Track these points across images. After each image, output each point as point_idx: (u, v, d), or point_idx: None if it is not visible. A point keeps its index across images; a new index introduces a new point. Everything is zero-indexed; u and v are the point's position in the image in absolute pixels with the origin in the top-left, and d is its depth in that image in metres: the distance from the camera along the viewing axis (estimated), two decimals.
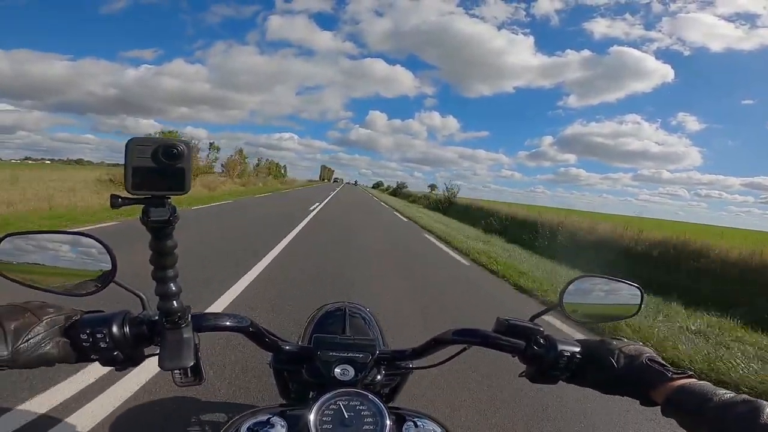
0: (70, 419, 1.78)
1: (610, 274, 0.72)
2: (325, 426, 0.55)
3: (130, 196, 0.39)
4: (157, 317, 0.52)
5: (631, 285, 0.70)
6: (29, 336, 0.46)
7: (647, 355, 0.55)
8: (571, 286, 0.66)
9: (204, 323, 0.58)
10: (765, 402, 0.43)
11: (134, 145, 0.38)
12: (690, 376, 0.51)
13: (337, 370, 0.64)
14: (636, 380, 0.54)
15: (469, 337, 0.65)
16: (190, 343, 0.50)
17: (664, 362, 0.54)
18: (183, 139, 0.39)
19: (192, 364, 0.50)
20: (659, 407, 0.51)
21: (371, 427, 0.56)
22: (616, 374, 0.55)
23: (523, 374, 0.64)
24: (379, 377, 0.69)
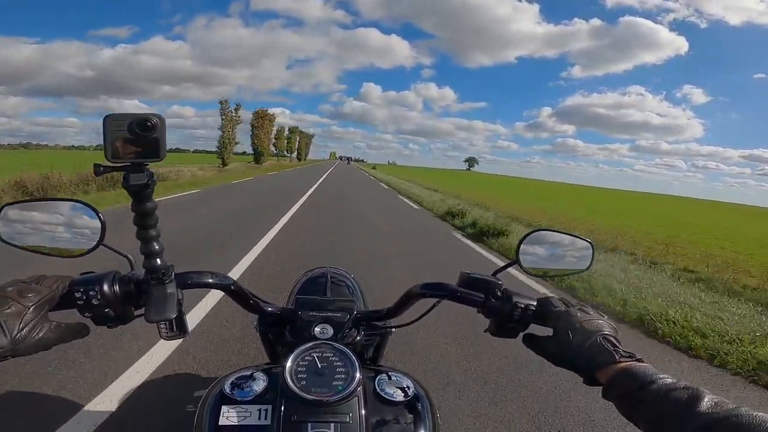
0: None
1: None
2: (299, 375, 0.59)
3: (111, 164, 0.45)
4: (143, 276, 0.56)
5: (583, 240, 0.74)
6: (22, 325, 0.47)
7: (602, 333, 0.54)
8: (526, 241, 0.70)
9: (188, 280, 0.62)
10: (704, 389, 0.42)
11: (110, 120, 0.43)
12: (637, 360, 0.50)
13: (317, 329, 0.69)
14: (585, 359, 0.53)
15: (436, 290, 0.69)
16: (174, 297, 0.55)
17: (616, 341, 0.53)
18: (156, 112, 0.44)
19: (175, 316, 0.55)
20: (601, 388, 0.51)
21: (343, 376, 0.59)
22: (569, 349, 0.55)
23: (487, 330, 0.68)
24: (359, 337, 0.73)
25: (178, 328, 0.61)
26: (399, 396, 0.61)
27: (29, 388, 1.87)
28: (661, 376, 0.45)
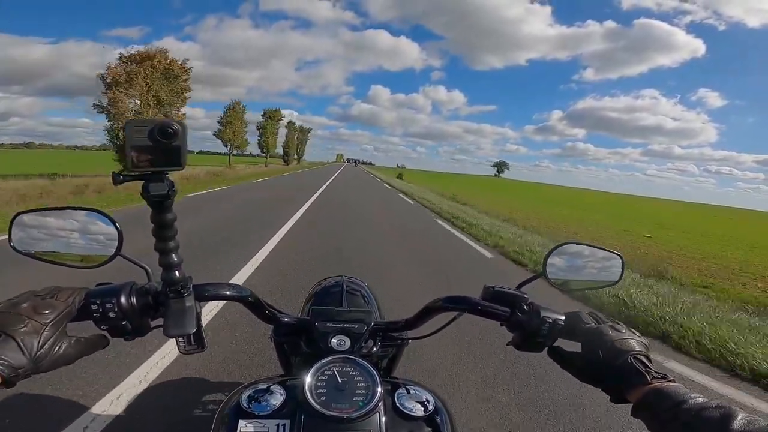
0: None
1: None
2: (319, 390, 0.58)
3: (131, 173, 0.43)
4: (161, 288, 0.55)
5: (612, 253, 0.72)
6: (41, 342, 0.46)
7: (633, 353, 0.53)
8: (554, 253, 0.69)
9: (205, 292, 0.61)
10: (736, 408, 0.42)
11: (132, 126, 0.42)
12: (669, 380, 0.50)
13: (334, 341, 0.67)
14: (615, 378, 0.53)
15: (458, 304, 0.68)
16: (192, 311, 0.54)
17: (648, 361, 0.53)
18: (178, 119, 0.42)
19: (194, 331, 0.54)
20: (630, 405, 0.50)
21: (363, 391, 0.58)
22: (597, 367, 0.55)
23: (510, 343, 0.66)
24: (375, 348, 0.72)
25: (197, 342, 0.60)
26: (419, 410, 0.60)
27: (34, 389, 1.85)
28: (693, 395, 0.45)
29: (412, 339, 0.78)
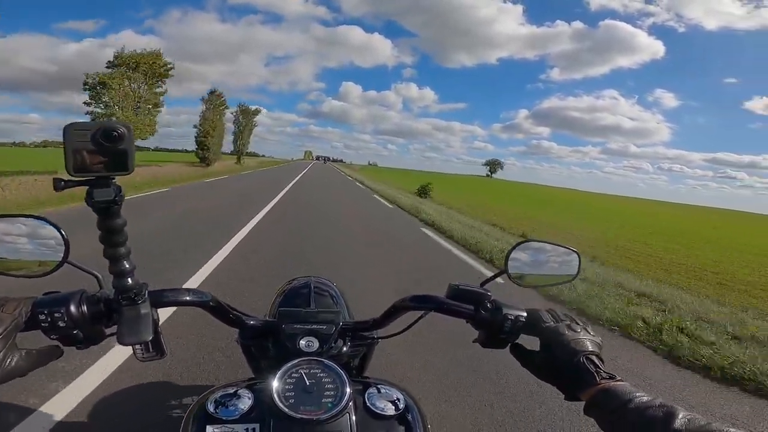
0: None
1: None
2: (287, 393, 0.57)
3: (73, 178, 0.41)
4: (113, 295, 0.53)
5: (569, 249, 0.75)
6: None
7: (585, 353, 0.55)
8: (514, 251, 0.70)
9: (162, 299, 0.59)
10: (678, 407, 0.45)
11: (73, 129, 0.40)
12: (617, 380, 0.52)
13: (302, 342, 0.66)
14: (567, 377, 0.55)
15: (424, 303, 0.69)
16: (148, 318, 0.52)
17: (599, 361, 0.55)
18: (123, 121, 0.41)
19: (150, 338, 0.52)
20: (583, 403, 0.52)
21: (332, 393, 0.58)
22: (553, 366, 0.57)
23: (476, 340, 0.67)
24: (345, 348, 0.72)
25: (155, 348, 0.59)
26: (390, 410, 0.60)
27: None
28: (638, 394, 0.48)
29: (382, 338, 0.78)
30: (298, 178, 25.10)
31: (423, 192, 20.67)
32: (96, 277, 0.57)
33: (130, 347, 0.55)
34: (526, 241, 0.73)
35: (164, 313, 2.74)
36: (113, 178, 0.43)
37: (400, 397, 0.62)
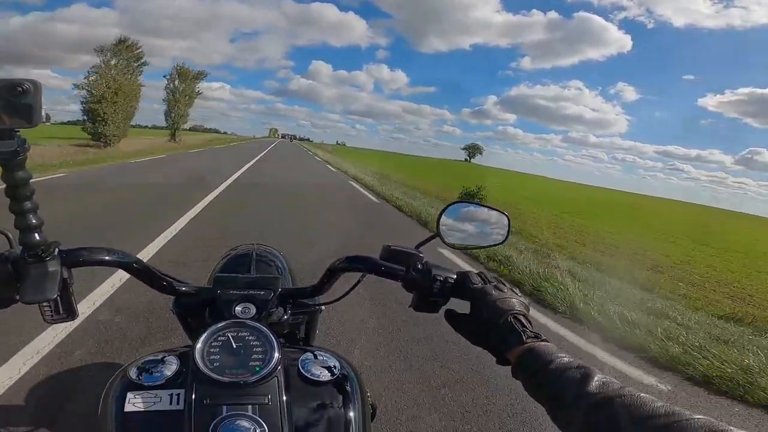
0: None
1: None
2: (212, 356, 0.56)
3: None
4: (21, 254, 0.50)
5: (501, 212, 0.76)
6: None
7: (512, 312, 0.55)
8: (446, 213, 0.72)
9: (78, 257, 0.56)
10: (594, 369, 0.45)
11: None
12: (543, 339, 0.52)
13: (238, 309, 0.64)
14: (495, 338, 0.54)
15: (357, 263, 0.69)
16: (56, 276, 0.50)
17: (526, 320, 0.54)
18: (32, 79, 0.41)
19: (54, 297, 0.50)
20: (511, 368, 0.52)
21: (261, 356, 0.57)
22: (483, 328, 0.56)
23: (411, 305, 0.67)
24: (285, 316, 0.70)
25: (65, 310, 0.56)
26: (325, 376, 0.60)
27: None
28: (559, 355, 0.48)
29: (323, 304, 0.78)
30: (236, 175, 11.02)
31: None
32: (6, 236, 0.54)
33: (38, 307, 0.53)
34: (456, 202, 0.74)
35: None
36: (17, 131, 0.43)
37: (337, 364, 0.62)
